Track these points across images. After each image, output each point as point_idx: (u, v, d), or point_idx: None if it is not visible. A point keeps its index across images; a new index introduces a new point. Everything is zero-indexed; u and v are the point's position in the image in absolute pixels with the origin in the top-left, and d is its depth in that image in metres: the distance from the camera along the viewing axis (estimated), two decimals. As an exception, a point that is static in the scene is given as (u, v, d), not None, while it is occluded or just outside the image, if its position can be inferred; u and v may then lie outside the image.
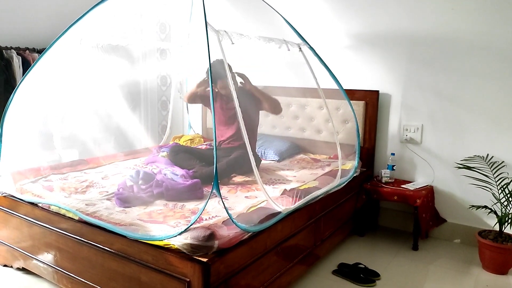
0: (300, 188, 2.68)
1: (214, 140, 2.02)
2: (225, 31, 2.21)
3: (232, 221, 1.97)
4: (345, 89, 3.05)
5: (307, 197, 2.54)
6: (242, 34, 2.41)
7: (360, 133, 3.39)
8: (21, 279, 2.63)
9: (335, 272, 2.73)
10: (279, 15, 2.84)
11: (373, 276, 2.68)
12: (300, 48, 3.05)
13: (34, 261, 2.51)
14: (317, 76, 3.20)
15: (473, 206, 2.91)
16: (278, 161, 3.47)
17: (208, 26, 2.02)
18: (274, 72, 3.54)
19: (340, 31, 3.52)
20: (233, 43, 2.25)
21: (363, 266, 2.76)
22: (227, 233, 1.93)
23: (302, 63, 3.18)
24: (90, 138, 3.12)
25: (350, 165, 3.18)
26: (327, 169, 3.17)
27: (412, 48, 3.26)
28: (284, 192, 2.59)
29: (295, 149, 3.69)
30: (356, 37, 3.47)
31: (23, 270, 2.67)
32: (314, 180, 2.88)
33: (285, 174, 3.06)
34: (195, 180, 2.64)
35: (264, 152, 3.55)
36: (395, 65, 3.34)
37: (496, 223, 2.81)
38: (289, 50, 2.82)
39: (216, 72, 2.68)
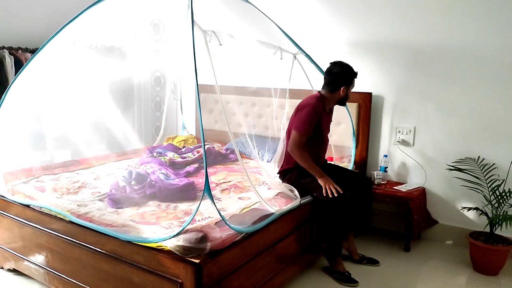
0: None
1: (202, 141, 2.01)
2: (213, 31, 2.21)
3: (225, 222, 1.97)
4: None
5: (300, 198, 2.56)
6: (232, 35, 2.41)
7: (353, 134, 3.40)
8: (12, 280, 2.61)
9: (324, 270, 2.76)
10: (276, 25, 2.88)
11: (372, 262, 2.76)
12: (295, 57, 3.08)
13: (25, 262, 2.49)
14: (310, 78, 3.24)
15: (464, 207, 2.93)
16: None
17: (194, 26, 2.02)
18: (266, 73, 3.54)
19: (334, 34, 3.54)
20: (220, 44, 2.26)
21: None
22: (219, 234, 1.93)
23: (296, 66, 3.21)
24: (82, 139, 3.10)
25: (345, 167, 3.20)
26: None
27: (405, 52, 3.27)
28: (278, 193, 2.60)
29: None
30: (350, 40, 3.49)
31: (14, 271, 2.65)
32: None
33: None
34: (188, 180, 2.64)
35: (258, 153, 3.55)
36: (388, 68, 3.36)
37: (487, 224, 2.84)
38: (281, 59, 2.86)
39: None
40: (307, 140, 2.66)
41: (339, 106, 2.97)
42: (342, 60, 2.75)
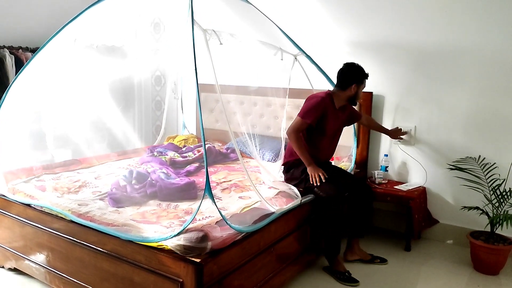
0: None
1: (203, 140, 2.01)
2: (213, 30, 2.21)
3: (226, 222, 1.97)
4: (339, 90, 3.06)
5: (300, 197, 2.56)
6: (233, 34, 2.41)
7: (354, 134, 3.40)
8: (13, 280, 2.61)
9: (324, 269, 2.76)
10: (276, 26, 2.88)
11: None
12: (295, 58, 3.07)
13: (26, 262, 2.50)
14: (311, 78, 3.24)
15: (465, 207, 2.93)
16: (275, 161, 3.47)
17: (195, 25, 2.02)
18: (267, 73, 3.55)
19: (335, 34, 3.54)
20: (221, 44, 2.26)
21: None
22: (220, 234, 1.93)
23: (296, 66, 3.20)
24: (83, 138, 3.11)
25: (345, 167, 3.20)
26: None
27: (405, 52, 3.27)
28: (279, 192, 2.60)
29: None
30: (351, 40, 3.48)
31: (15, 270, 2.65)
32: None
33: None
34: (189, 180, 2.64)
35: (259, 152, 3.54)
36: (389, 68, 3.36)
37: (488, 224, 2.84)
38: (282, 59, 2.90)
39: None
40: (309, 130, 2.75)
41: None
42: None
